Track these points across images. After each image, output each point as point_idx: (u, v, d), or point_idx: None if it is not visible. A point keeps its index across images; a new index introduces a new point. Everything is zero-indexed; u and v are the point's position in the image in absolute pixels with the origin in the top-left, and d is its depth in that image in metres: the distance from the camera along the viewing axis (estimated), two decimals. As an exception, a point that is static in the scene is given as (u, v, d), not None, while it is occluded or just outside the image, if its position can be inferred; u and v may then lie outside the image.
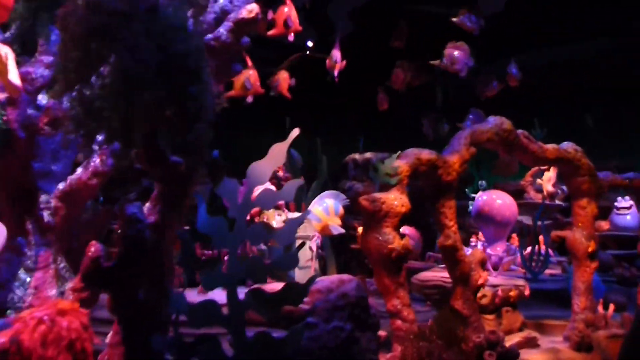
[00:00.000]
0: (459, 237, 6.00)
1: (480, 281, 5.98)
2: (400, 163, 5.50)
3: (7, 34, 4.60)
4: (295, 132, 3.60)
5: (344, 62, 6.53)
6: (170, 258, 3.54)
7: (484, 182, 13.78)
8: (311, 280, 3.53)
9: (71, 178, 4.07)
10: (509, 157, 8.34)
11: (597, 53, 10.80)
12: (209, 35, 3.99)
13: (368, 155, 14.75)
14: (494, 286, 6.98)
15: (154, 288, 3.42)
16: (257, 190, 3.48)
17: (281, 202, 4.74)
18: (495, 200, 10.51)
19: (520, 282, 7.46)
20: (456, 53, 9.16)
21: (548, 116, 9.70)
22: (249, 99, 6.42)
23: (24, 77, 3.94)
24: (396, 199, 5.30)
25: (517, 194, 13.55)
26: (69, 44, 2.97)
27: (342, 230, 4.93)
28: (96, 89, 3.06)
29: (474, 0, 8.57)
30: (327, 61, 6.35)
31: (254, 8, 4.00)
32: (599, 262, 7.71)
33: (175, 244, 3.61)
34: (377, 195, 5.25)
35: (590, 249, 7.47)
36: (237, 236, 3.43)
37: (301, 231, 4.76)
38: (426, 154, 5.76)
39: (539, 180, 12.92)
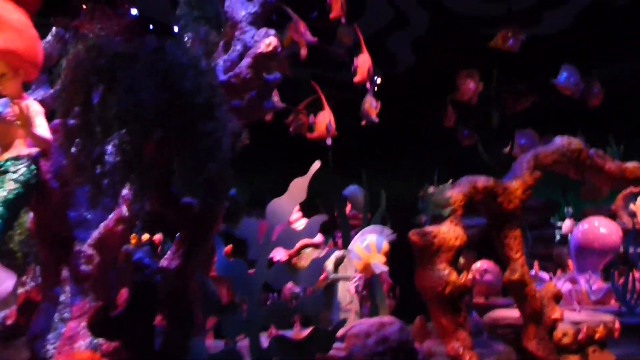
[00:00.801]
0: (527, 270, 5.46)
1: (555, 317, 5.38)
2: (453, 192, 5.10)
3: (52, 90, 4.72)
4: (316, 165, 3.37)
5: (379, 103, 6.24)
6: (192, 303, 3.36)
7: (570, 209, 12.85)
8: (340, 325, 3.23)
9: (101, 226, 4.04)
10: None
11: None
12: (229, 73, 3.88)
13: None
14: (577, 323, 6.29)
15: (172, 335, 3.24)
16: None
17: (319, 241, 4.46)
18: (598, 229, 9.67)
19: (609, 317, 6.69)
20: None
21: (624, 132, 8.82)
22: (329, 141, 6.27)
23: (56, 128, 3.98)
24: (449, 232, 4.88)
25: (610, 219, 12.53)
26: (70, 86, 2.93)
27: (385, 268, 4.57)
28: (99, 134, 2.98)
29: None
30: (364, 107, 6.08)
31: (272, 41, 3.84)
32: (700, 292, 6.83)
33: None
34: (429, 228, 4.86)
35: (685, 277, 6.63)
36: (257, 279, 3.21)
37: (342, 271, 4.45)
38: (483, 181, 5.32)
39: (632, 205, 11.88)
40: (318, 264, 3.30)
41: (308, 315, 3.65)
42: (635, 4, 9.38)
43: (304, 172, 3.70)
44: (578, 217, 12.91)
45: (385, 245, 4.62)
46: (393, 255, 5.70)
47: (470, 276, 11.42)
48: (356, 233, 9.82)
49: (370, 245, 4.55)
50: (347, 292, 4.34)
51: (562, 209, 13.12)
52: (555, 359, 5.37)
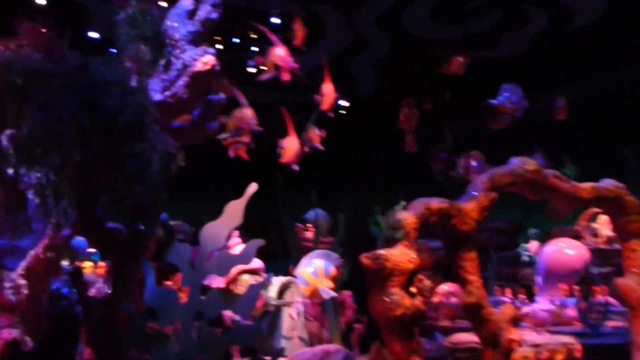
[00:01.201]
0: (484, 292, 5.33)
1: (512, 342, 5.25)
2: (406, 215, 4.98)
3: None
4: (253, 187, 3.22)
5: (322, 132, 6.03)
6: (122, 333, 3.14)
7: (535, 230, 12.85)
8: (278, 354, 3.05)
9: (29, 254, 3.80)
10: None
11: (631, 82, 10.00)
12: (166, 93, 3.72)
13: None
14: (537, 345, 6.17)
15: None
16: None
17: (257, 267, 4.24)
18: (565, 250, 9.64)
19: (569, 339, 6.59)
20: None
21: (579, 153, 8.85)
22: (296, 167, 5.94)
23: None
24: (402, 255, 4.74)
25: (573, 239, 12.55)
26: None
27: (334, 294, 4.38)
28: (16, 156, 2.78)
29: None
30: (306, 135, 5.84)
31: (209, 60, 3.70)
32: (658, 311, 6.78)
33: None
34: (380, 252, 4.72)
35: (645, 297, 6.58)
36: (189, 307, 3.02)
37: (288, 297, 4.25)
38: (436, 202, 5.20)
39: (594, 224, 11.93)
40: (255, 290, 3.11)
41: (241, 345, 3.45)
42: (590, 27, 9.54)
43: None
44: (542, 238, 12.94)
45: (332, 270, 4.44)
46: (358, 280, 5.55)
47: (454, 299, 11.32)
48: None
49: (318, 270, 4.36)
50: (290, 318, 4.14)
51: (527, 230, 13.14)
52: (514, 385, 5.21)
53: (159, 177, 3.17)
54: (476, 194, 5.56)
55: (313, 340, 4.66)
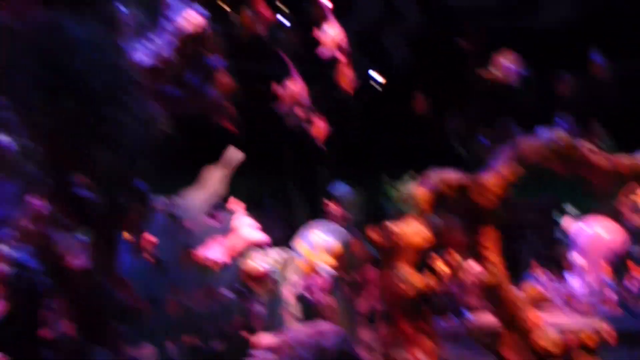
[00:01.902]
0: (505, 273, 4.98)
1: (533, 324, 4.89)
2: (418, 188, 4.65)
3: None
4: (235, 155, 2.96)
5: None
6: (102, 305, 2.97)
7: (572, 208, 12.24)
8: (253, 334, 2.83)
9: (14, 223, 3.67)
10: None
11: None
12: (154, 56, 3.48)
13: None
14: (565, 328, 5.78)
15: (76, 344, 2.85)
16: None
17: (263, 240, 3.97)
18: (600, 230, 9.12)
19: (602, 323, 6.16)
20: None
21: (614, 123, 8.17)
22: None
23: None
24: (413, 230, 4.43)
25: (612, 217, 11.91)
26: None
27: (332, 271, 4.08)
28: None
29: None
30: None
31: (197, 21, 3.44)
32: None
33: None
34: (390, 225, 4.42)
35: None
36: (167, 281, 2.82)
37: (285, 272, 3.98)
38: (453, 175, 4.84)
39: (636, 200, 11.27)
40: (236, 265, 2.89)
41: (221, 322, 3.24)
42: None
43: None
44: (581, 215, 12.32)
45: (334, 245, 4.16)
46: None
47: (433, 279, 10.86)
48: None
49: (316, 243, 4.09)
50: (290, 297, 3.90)
51: (564, 207, 12.54)
52: (534, 369, 4.88)
53: (138, 145, 2.94)
54: (498, 166, 5.17)
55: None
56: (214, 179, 2.83)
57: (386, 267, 4.36)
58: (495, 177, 5.07)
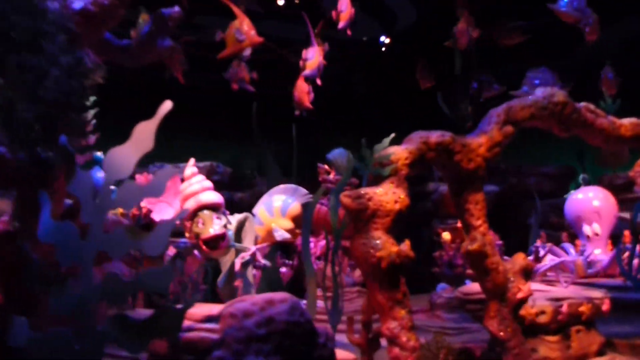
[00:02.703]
0: (490, 239, 4.62)
1: (520, 295, 4.56)
2: (396, 149, 4.29)
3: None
4: (167, 105, 2.66)
5: (321, 59, 5.28)
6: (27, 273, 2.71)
7: (586, 176, 11.75)
8: (187, 305, 2.56)
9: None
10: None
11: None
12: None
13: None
14: (559, 299, 5.44)
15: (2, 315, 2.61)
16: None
17: (217, 201, 3.63)
18: (592, 200, 8.73)
19: (598, 293, 5.81)
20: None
21: (620, 84, 7.62)
22: (246, 52, 5.28)
23: None
24: (388, 194, 4.09)
25: (627, 187, 11.40)
26: None
27: (288, 236, 3.76)
28: None
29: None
30: (300, 62, 5.16)
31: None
32: None
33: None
34: (363, 190, 4.09)
35: (691, 250, 5.68)
36: (90, 246, 2.55)
37: (246, 239, 3.67)
38: (437, 136, 4.47)
39: (651, 170, 10.73)
40: (165, 227, 2.60)
41: (150, 290, 2.97)
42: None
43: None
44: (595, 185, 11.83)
45: (293, 209, 3.83)
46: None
47: (408, 246, 10.53)
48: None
49: (274, 208, 3.77)
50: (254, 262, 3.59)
51: (578, 176, 12.05)
52: (520, 342, 4.55)
53: (62, 96, 2.63)
54: (488, 127, 4.79)
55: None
56: (146, 133, 2.54)
57: (359, 234, 4.04)
58: (483, 138, 4.69)
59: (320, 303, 4.75)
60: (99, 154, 7.82)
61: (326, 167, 8.39)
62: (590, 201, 8.52)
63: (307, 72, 5.26)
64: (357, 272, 8.36)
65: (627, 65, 8.69)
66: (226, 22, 5.25)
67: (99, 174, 7.59)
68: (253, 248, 3.38)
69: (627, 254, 7.95)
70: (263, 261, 3.59)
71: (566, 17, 6.36)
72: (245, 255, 3.32)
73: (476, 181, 4.59)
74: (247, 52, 5.12)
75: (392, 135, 4.17)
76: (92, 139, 4.15)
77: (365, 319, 4.63)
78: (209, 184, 3.71)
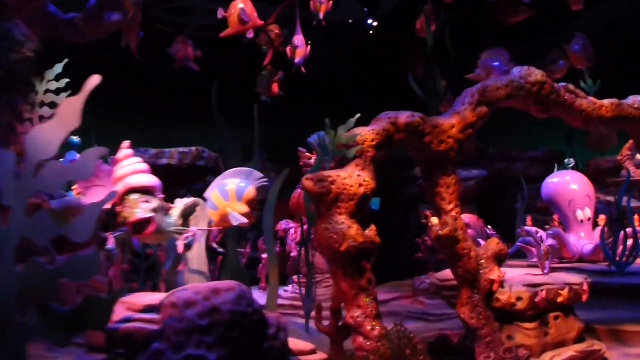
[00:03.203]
0: (461, 224, 4.43)
1: (491, 276, 4.36)
2: (362, 130, 4.07)
3: None
4: (94, 80, 2.44)
5: (308, 47, 5.05)
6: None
7: (571, 160, 11.54)
8: (119, 293, 2.36)
9: None
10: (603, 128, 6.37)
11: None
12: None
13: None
14: (536, 285, 5.25)
15: None
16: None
17: (150, 183, 3.40)
18: (569, 184, 8.55)
19: (577, 278, 5.62)
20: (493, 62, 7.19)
21: (602, 65, 7.33)
22: (249, 34, 5.12)
23: None
24: (351, 177, 3.87)
25: (614, 171, 11.21)
26: None
27: (244, 220, 3.55)
28: None
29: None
30: (288, 50, 4.92)
31: None
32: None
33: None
34: (326, 172, 3.88)
35: (672, 234, 5.50)
36: (11, 232, 2.34)
37: (193, 223, 3.48)
38: (406, 116, 4.25)
39: (638, 156, 10.55)
40: (92, 211, 2.39)
41: (76, 278, 2.78)
42: None
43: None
44: (582, 169, 11.65)
45: (249, 192, 3.62)
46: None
47: (471, 231, 10.37)
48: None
49: (229, 191, 3.56)
50: (200, 251, 3.38)
51: (566, 160, 11.86)
52: (492, 330, 4.37)
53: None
54: (461, 107, 4.57)
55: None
56: (72, 110, 2.33)
57: (322, 218, 3.84)
58: (455, 119, 4.48)
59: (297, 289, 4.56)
60: (75, 138, 7.59)
61: (306, 152, 8.17)
62: (567, 184, 8.32)
63: (297, 59, 5.01)
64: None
65: (611, 45, 8.46)
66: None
67: (75, 158, 7.40)
68: (194, 229, 3.17)
69: (611, 239, 7.80)
70: (215, 246, 3.39)
71: None
72: (186, 237, 3.11)
73: (447, 163, 4.38)
74: (250, 33, 4.89)
75: (357, 115, 3.94)
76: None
77: (334, 306, 4.43)
78: (142, 166, 3.48)
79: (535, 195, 12.22)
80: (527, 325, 5.12)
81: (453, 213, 4.35)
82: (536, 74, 4.87)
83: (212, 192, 3.59)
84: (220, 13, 4.82)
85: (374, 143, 4.03)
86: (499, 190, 12.35)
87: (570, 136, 12.20)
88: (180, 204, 3.31)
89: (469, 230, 9.41)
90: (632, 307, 6.59)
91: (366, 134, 4.03)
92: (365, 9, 11.40)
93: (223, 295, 2.74)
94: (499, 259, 4.45)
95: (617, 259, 7.64)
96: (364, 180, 3.88)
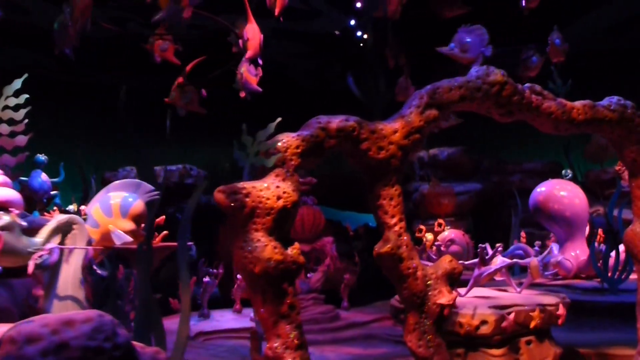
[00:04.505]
0: (407, 240, 3.86)
1: (440, 301, 3.76)
2: (285, 136, 3.56)
3: None
4: None
5: (259, 70, 4.34)
6: None
7: (569, 171, 10.87)
8: None
9: None
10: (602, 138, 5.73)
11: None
12: None
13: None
14: (504, 307, 4.65)
15: None
16: None
17: (10, 198, 2.88)
18: (559, 192, 7.90)
19: (553, 299, 5.00)
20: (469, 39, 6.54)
21: (572, 65, 6.59)
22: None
23: None
24: (268, 189, 3.35)
25: (614, 182, 10.50)
26: None
27: (129, 239, 3.04)
28: None
29: None
30: (240, 76, 4.25)
31: None
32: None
33: None
34: (240, 184, 3.36)
35: (656, 248, 4.85)
36: None
37: (69, 242, 2.95)
38: (339, 121, 3.72)
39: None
40: None
41: None
42: None
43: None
44: (581, 180, 10.96)
45: (136, 207, 3.11)
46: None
47: (456, 247, 9.72)
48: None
49: (113, 206, 3.07)
50: (74, 274, 2.86)
51: (564, 171, 11.19)
52: (444, 359, 3.78)
53: None
54: (407, 111, 4.04)
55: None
56: None
57: (237, 236, 3.31)
58: (399, 123, 3.94)
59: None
60: (41, 156, 7.19)
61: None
62: (558, 195, 7.67)
63: (250, 53, 4.36)
64: (315, 278, 7.64)
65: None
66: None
67: (40, 178, 7.00)
68: (51, 245, 2.66)
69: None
70: (96, 267, 2.90)
71: None
72: (40, 255, 2.59)
73: (390, 173, 3.84)
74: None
75: (279, 119, 3.43)
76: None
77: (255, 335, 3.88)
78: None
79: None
80: (494, 352, 4.52)
81: (397, 228, 3.79)
82: (495, 74, 4.33)
83: (94, 207, 3.10)
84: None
85: (299, 150, 3.52)
86: (495, 204, 11.71)
87: (568, 147, 11.56)
88: (53, 221, 2.83)
89: (453, 247, 8.87)
90: (624, 327, 5.90)
91: (290, 140, 3.52)
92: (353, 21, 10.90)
93: (77, 328, 2.25)
94: (452, 280, 3.87)
95: (610, 274, 6.97)
96: (284, 192, 3.35)
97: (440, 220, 10.64)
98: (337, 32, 10.96)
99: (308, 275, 7.63)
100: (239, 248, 3.31)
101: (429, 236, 10.04)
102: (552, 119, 4.60)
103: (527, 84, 4.59)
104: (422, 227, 10.62)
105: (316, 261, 7.76)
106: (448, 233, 8.49)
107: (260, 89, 4.23)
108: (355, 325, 7.43)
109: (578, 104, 4.68)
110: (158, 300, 3.55)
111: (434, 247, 8.93)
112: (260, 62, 4.37)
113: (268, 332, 3.31)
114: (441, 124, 6.06)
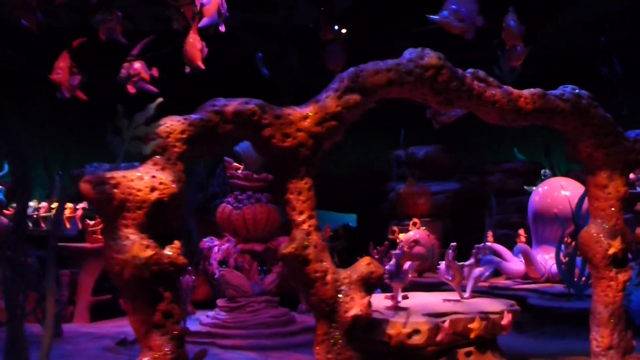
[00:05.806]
0: (318, 240, 3.35)
1: (352, 313, 3.27)
2: (168, 120, 3.06)
3: None
4: None
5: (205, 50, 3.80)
6: None
7: (547, 172, 10.35)
8: None
9: None
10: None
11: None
12: None
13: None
14: (441, 314, 4.14)
15: None
16: None
17: None
18: (560, 191, 7.41)
19: (499, 306, 4.49)
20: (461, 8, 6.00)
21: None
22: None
23: None
24: (141, 179, 2.85)
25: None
26: None
27: None
28: None
29: None
30: (187, 52, 3.72)
31: None
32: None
33: None
34: (109, 174, 2.87)
35: (611, 251, 4.34)
36: None
37: None
38: (237, 104, 3.22)
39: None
40: None
41: None
42: None
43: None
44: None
45: None
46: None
47: (420, 249, 9.14)
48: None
49: None
50: None
51: (544, 172, 10.67)
52: (355, 375, 3.27)
53: None
54: (322, 95, 3.54)
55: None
56: None
57: (106, 233, 2.83)
58: (311, 108, 3.44)
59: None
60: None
61: (233, 162, 7.22)
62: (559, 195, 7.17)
63: (205, 20, 3.79)
64: (268, 279, 7.14)
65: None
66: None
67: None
68: None
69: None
70: None
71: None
72: None
73: (298, 164, 3.34)
74: None
75: (159, 100, 2.94)
76: None
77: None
78: None
79: (512, 209, 11.04)
80: (428, 365, 4.02)
81: (305, 226, 3.29)
82: (430, 56, 3.82)
83: None
84: None
85: (184, 136, 3.02)
86: (474, 204, 11.19)
87: (549, 147, 11.04)
88: None
89: (418, 248, 8.33)
90: (585, 335, 5.40)
91: (174, 124, 3.02)
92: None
93: None
94: (368, 285, 3.36)
95: (576, 279, 6.45)
96: (160, 183, 2.86)
97: (415, 220, 10.08)
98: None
99: (261, 276, 7.14)
100: (107, 247, 2.82)
101: (402, 236, 9.52)
102: (497, 108, 4.10)
103: (469, 70, 4.09)
104: (394, 228, 10.09)
105: (272, 262, 7.26)
106: (413, 233, 7.97)
107: (203, 66, 3.66)
108: (310, 329, 6.91)
109: (526, 92, 4.18)
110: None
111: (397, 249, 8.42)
112: (222, 28, 3.75)
113: (140, 344, 2.82)
114: (443, 118, 5.50)
